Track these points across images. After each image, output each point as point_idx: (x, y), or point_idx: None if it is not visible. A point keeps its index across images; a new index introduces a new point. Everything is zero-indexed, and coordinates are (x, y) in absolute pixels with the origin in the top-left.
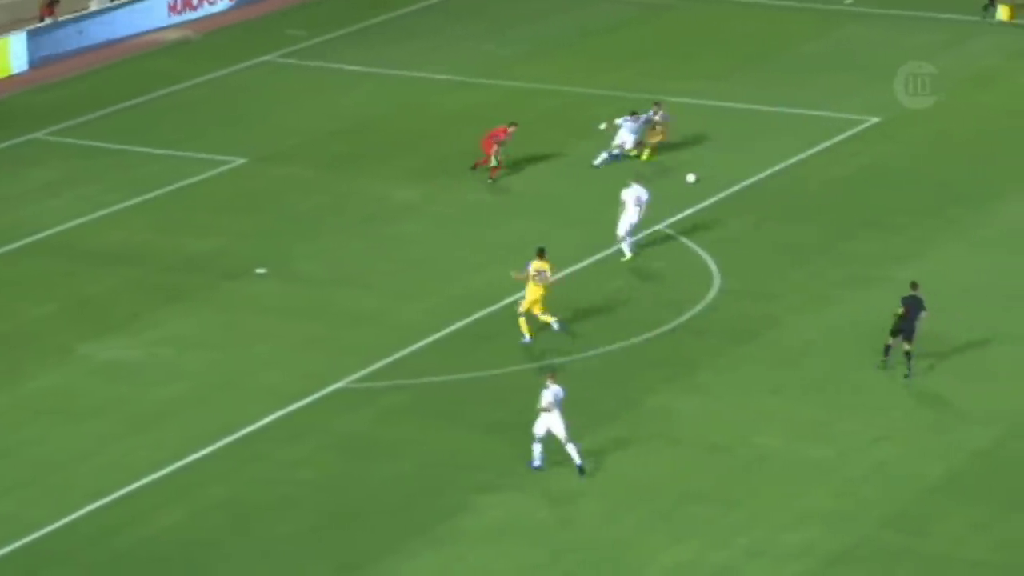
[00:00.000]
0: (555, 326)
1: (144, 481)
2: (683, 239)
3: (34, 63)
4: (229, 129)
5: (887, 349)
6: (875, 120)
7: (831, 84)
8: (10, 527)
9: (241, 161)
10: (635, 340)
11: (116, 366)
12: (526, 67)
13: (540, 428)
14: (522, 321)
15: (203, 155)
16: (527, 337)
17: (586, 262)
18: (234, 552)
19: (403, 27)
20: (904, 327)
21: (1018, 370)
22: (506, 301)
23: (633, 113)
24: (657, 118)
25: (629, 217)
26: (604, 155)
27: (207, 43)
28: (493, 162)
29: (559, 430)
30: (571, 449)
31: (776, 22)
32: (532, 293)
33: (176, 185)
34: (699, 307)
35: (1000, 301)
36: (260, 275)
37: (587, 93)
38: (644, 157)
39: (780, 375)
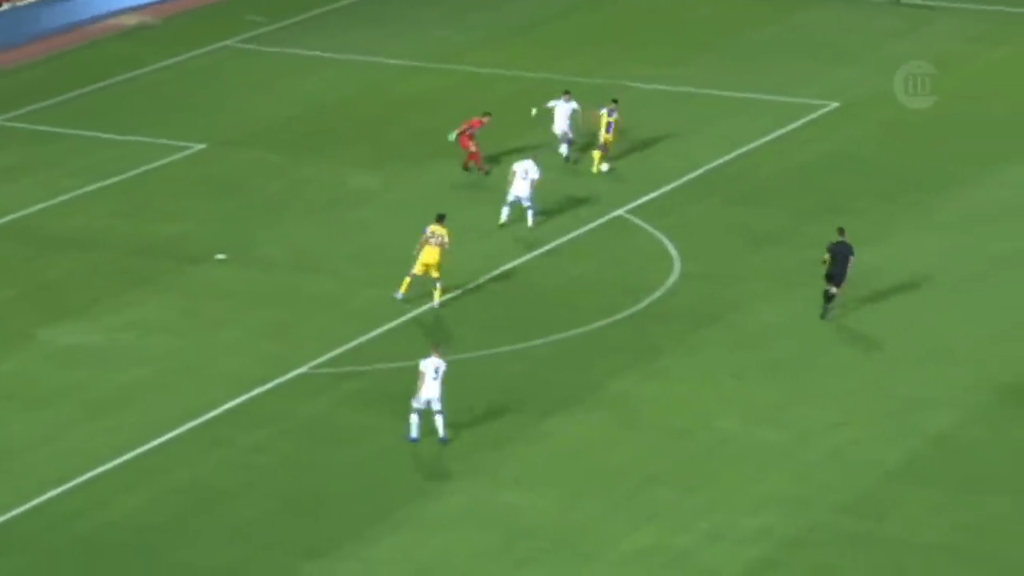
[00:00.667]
0: (436, 303)
1: (105, 467)
2: (643, 224)
3: None
4: (189, 114)
5: (826, 295)
6: (834, 105)
7: (789, 69)
8: None
9: (201, 146)
10: (596, 325)
11: (76, 351)
12: (483, 53)
13: (419, 400)
14: (407, 280)
15: (163, 140)
16: (400, 293)
17: (546, 247)
18: (195, 537)
19: (361, 13)
20: (835, 272)
21: (977, 354)
22: (468, 286)
23: (566, 92)
24: (614, 116)
25: (516, 189)
26: (565, 146)
27: (167, 28)
28: (472, 148)
29: (434, 399)
30: (438, 420)
31: (731, 7)
32: (428, 256)
33: (137, 170)
34: (660, 292)
35: (959, 284)
36: (220, 260)
37: (544, 78)
38: (595, 169)
39: (740, 359)
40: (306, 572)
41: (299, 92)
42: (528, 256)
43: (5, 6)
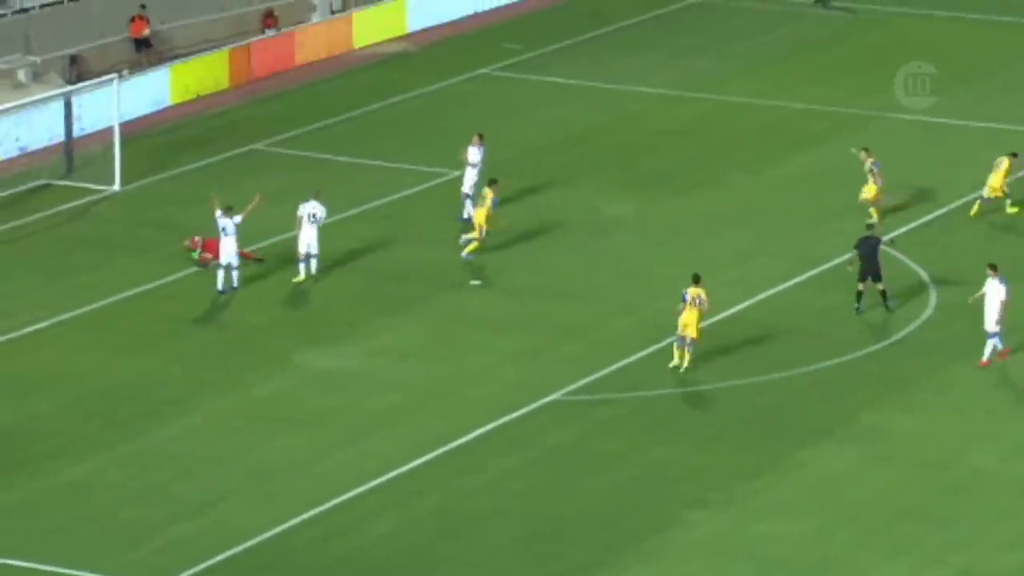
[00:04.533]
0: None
1: (358, 490)
2: (899, 255)
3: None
4: (446, 141)
5: (859, 296)
6: None
7: None
8: (226, 533)
9: (457, 173)
10: (850, 356)
11: (333, 375)
12: (741, 82)
13: (302, 245)
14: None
15: (421, 167)
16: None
17: (801, 277)
18: (445, 561)
19: (619, 41)
20: (869, 270)
21: None
22: (717, 318)
23: (479, 136)
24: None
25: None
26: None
27: (425, 56)
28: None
29: (312, 242)
30: (312, 262)
31: (991, 38)
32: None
33: (394, 196)
34: (915, 324)
35: None
36: (475, 286)
37: (801, 108)
38: (973, 213)
39: (995, 394)
40: None
41: (555, 120)
42: (783, 286)
43: (267, 33)
